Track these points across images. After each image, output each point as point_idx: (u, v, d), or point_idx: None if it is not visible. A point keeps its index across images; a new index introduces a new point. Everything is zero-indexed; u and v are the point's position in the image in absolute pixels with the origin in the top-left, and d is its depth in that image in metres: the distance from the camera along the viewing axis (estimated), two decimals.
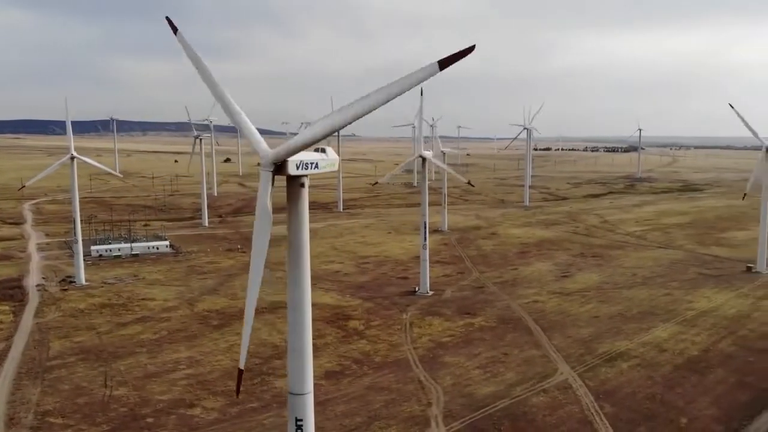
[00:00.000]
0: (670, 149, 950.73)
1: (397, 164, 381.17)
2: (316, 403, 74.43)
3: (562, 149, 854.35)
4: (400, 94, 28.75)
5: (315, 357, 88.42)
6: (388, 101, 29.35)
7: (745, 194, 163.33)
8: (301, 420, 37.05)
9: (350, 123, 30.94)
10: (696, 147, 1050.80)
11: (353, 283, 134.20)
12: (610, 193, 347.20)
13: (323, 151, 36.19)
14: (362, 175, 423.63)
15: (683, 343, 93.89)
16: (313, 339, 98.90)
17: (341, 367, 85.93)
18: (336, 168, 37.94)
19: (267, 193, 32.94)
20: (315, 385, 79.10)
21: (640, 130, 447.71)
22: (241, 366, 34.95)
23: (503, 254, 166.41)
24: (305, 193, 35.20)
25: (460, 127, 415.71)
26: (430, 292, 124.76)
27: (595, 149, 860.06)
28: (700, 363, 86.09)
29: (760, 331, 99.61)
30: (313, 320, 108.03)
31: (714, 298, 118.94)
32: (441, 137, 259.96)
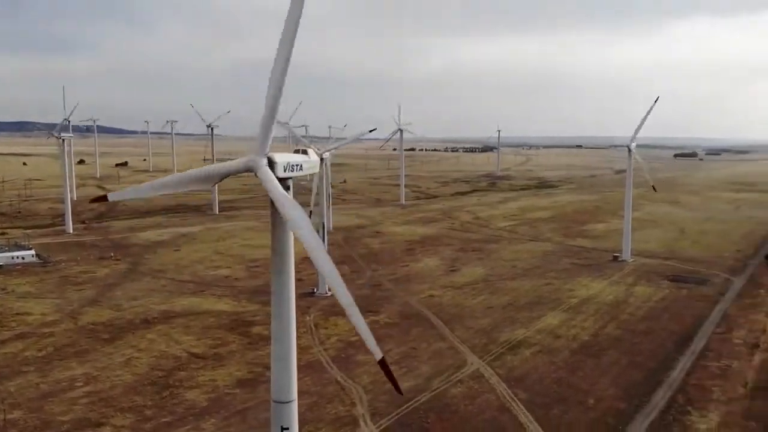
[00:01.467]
0: (522, 149, 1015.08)
1: None
2: (235, 413, 72.89)
3: (426, 150, 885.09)
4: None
5: (221, 366, 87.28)
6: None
7: (653, 186, 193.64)
8: (287, 428, 35.96)
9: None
10: (545, 147, 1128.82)
11: (247, 288, 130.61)
12: (475, 191, 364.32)
13: (305, 152, 35.31)
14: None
15: (574, 329, 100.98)
16: (215, 347, 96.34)
17: (253, 374, 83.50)
18: (317, 169, 37.14)
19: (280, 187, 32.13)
20: (229, 394, 77.75)
21: (499, 131, 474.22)
22: (378, 356, 31.70)
23: (392, 252, 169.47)
24: (289, 195, 34.21)
25: (331, 127, 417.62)
26: (329, 293, 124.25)
27: (454, 150, 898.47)
28: (593, 347, 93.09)
29: (638, 314, 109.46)
30: (213, 328, 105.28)
31: (591, 286, 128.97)
32: (309, 137, 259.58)
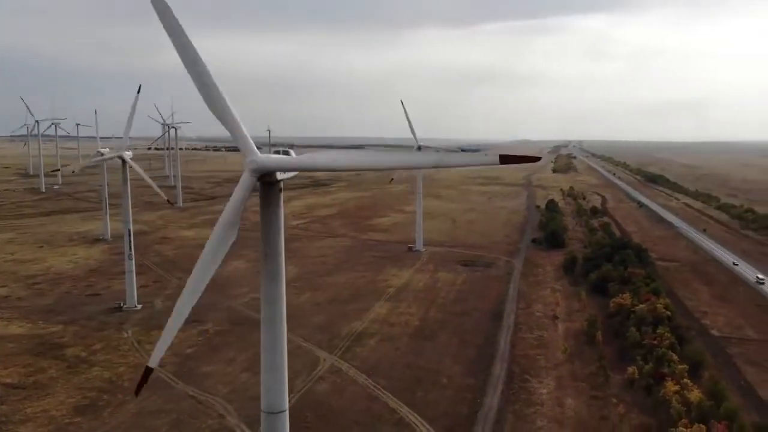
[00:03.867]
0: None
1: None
2: None
3: (186, 148, 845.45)
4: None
5: (47, 395, 77.32)
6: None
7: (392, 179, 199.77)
8: None
9: (347, 170, 30.90)
10: (308, 147, 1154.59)
11: (36, 308, 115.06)
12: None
13: (286, 152, 33.87)
14: None
15: (403, 316, 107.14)
16: (31, 375, 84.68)
17: (89, 399, 75.07)
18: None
19: (244, 198, 30.32)
20: (72, 424, 69.07)
21: (269, 131, 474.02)
22: (152, 364, 31.97)
23: (191, 258, 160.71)
24: (281, 197, 33.08)
25: (79, 125, 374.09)
26: (139, 306, 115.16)
27: (217, 149, 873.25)
28: (425, 330, 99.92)
29: (450, 298, 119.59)
30: (17, 354, 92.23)
31: (401, 276, 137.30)
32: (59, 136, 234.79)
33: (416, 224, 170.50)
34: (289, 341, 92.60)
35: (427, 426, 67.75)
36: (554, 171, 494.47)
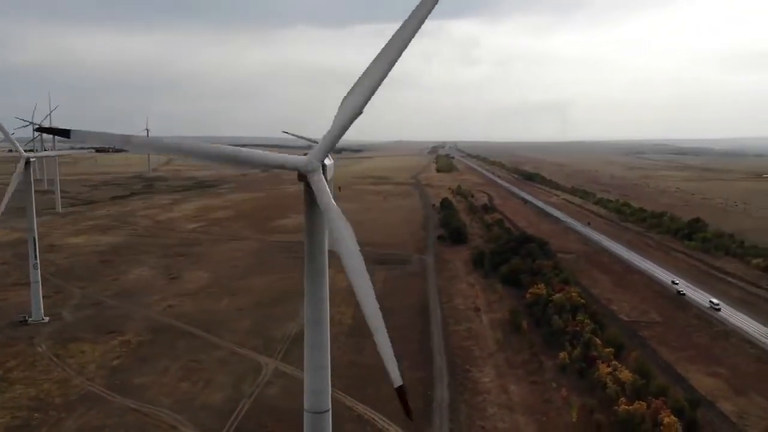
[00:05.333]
0: None
1: None
2: None
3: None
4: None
5: None
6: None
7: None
8: None
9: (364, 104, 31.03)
10: None
11: None
12: (134, 194, 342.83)
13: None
14: None
15: (336, 315, 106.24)
16: None
17: (20, 419, 69.66)
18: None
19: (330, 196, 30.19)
20: None
21: (147, 130, 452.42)
22: (399, 382, 29.24)
23: (87, 266, 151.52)
24: None
25: None
26: (46, 318, 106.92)
27: (85, 149, 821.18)
28: (361, 328, 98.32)
29: (377, 295, 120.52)
30: None
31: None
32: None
33: None
34: (220, 348, 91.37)
35: (387, 421, 68.79)
36: (438, 171, 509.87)
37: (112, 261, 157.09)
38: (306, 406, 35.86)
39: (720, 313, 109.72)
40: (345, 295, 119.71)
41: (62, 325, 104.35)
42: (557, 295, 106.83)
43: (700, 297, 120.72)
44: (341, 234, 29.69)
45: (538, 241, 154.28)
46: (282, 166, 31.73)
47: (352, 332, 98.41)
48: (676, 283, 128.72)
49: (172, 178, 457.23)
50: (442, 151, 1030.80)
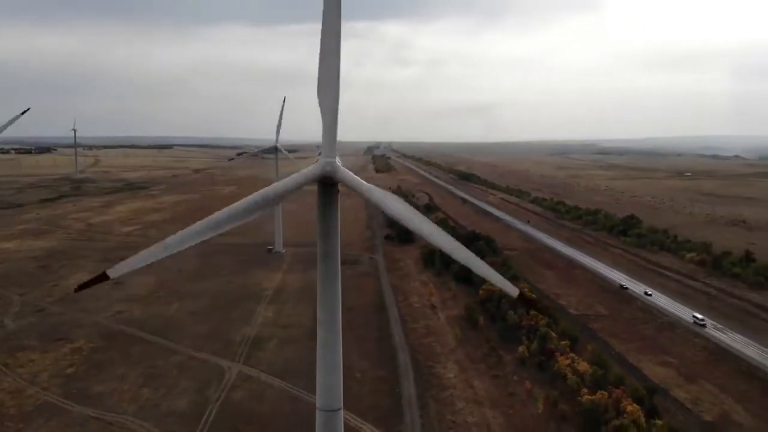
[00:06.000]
0: (83, 149, 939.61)
1: None
2: None
3: None
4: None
5: None
6: None
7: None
8: None
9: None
10: (105, 147, 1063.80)
11: None
12: (63, 196, 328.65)
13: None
14: None
15: (293, 317, 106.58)
16: None
17: None
18: None
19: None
20: None
21: (75, 130, 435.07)
22: (515, 293, 29.81)
23: (24, 271, 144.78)
24: (338, 198, 33.51)
25: None
26: None
27: (4, 151, 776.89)
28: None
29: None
30: None
31: (272, 278, 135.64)
32: None
33: (275, 226, 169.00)
34: (178, 353, 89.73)
35: (360, 420, 69.12)
36: (378, 171, 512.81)
37: (50, 266, 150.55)
38: (318, 404, 36.12)
39: (659, 303, 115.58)
40: (298, 296, 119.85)
41: (5, 333, 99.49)
42: None
43: (642, 290, 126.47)
44: (391, 202, 31.04)
45: (485, 239, 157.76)
46: (305, 182, 32.21)
47: (313, 334, 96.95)
48: (625, 287, 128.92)
49: (101, 179, 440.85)
50: (377, 151, 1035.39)
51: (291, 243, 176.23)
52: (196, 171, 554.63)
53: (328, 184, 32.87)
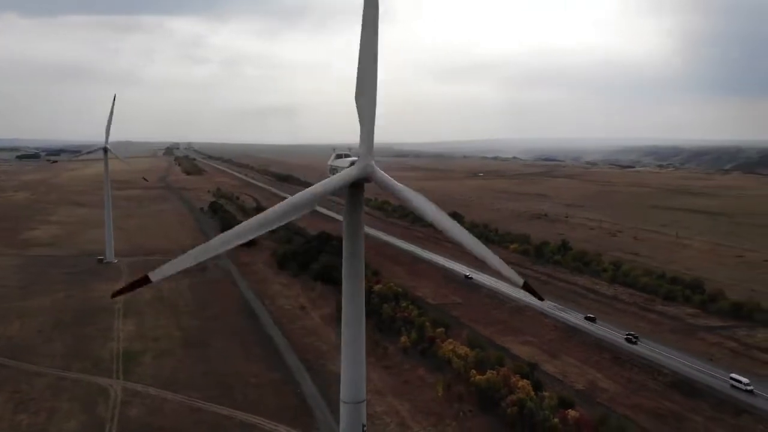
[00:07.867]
0: None
1: None
2: None
3: None
4: None
5: None
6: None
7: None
8: (365, 425, 35.02)
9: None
10: None
11: None
12: None
13: (347, 155, 35.11)
14: None
15: (159, 329, 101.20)
16: None
17: None
18: None
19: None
20: None
21: None
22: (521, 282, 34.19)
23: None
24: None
25: None
26: None
27: None
28: (194, 339, 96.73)
29: (190, 304, 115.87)
30: None
31: (112, 288, 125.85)
32: None
33: (106, 235, 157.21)
34: (40, 374, 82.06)
35: (275, 423, 68.63)
36: (187, 173, 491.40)
37: None
38: (343, 397, 37.13)
39: (504, 290, 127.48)
40: (156, 307, 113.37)
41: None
42: (378, 286, 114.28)
43: (483, 279, 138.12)
44: (421, 201, 33.16)
45: (337, 239, 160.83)
46: (344, 185, 33.09)
47: (188, 344, 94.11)
48: (470, 277, 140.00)
49: None
50: (178, 153, 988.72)
51: (122, 253, 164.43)
52: None
53: (358, 186, 33.83)
